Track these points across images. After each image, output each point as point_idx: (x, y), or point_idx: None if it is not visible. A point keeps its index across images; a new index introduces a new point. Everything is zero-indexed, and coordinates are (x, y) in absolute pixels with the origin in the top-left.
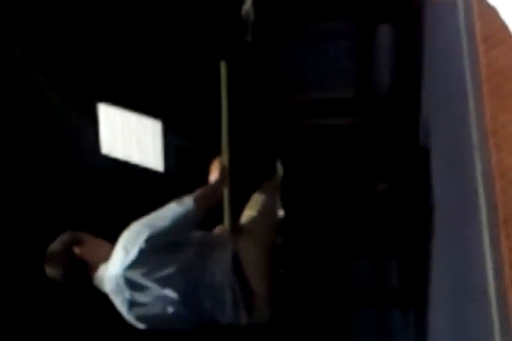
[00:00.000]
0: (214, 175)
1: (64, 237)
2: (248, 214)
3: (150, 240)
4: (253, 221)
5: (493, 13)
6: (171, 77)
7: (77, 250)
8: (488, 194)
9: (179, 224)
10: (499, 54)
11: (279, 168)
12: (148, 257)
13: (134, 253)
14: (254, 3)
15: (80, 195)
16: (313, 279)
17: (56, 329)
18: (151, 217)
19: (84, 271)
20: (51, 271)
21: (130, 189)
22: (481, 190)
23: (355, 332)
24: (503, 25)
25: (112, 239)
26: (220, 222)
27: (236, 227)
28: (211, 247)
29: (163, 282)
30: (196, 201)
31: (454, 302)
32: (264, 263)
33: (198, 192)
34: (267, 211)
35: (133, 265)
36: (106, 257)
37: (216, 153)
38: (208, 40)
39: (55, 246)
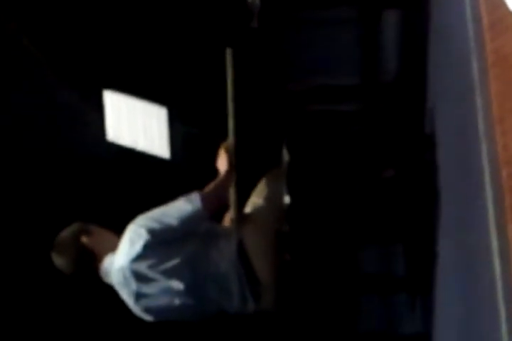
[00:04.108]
0: (222, 163)
1: (73, 227)
2: (253, 201)
3: (155, 234)
4: (258, 208)
5: (499, 0)
6: (176, 64)
7: (85, 240)
8: (494, 180)
9: (185, 222)
10: (505, 41)
11: (285, 155)
12: (153, 249)
13: (139, 246)
14: None
15: (85, 182)
16: (320, 266)
17: (62, 320)
18: (157, 212)
19: (91, 262)
20: (58, 260)
21: (136, 176)
22: (487, 176)
23: (361, 318)
24: (509, 12)
25: (118, 226)
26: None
27: (241, 215)
28: (216, 236)
29: (169, 273)
30: (204, 200)
31: (460, 287)
32: (270, 251)
33: (207, 190)
34: (272, 198)
35: (139, 257)
36: (112, 249)
37: (222, 139)
38: (214, 27)
39: (64, 235)
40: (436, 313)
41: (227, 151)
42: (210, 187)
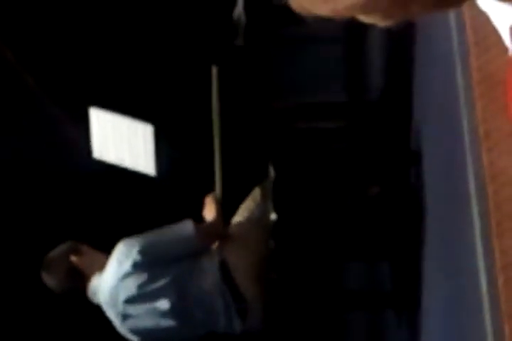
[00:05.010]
0: (209, 212)
1: (63, 246)
2: (237, 220)
3: (143, 254)
4: (241, 227)
5: (484, 17)
6: (162, 82)
7: (74, 259)
8: (480, 196)
9: (175, 246)
10: (490, 58)
11: (271, 172)
12: (141, 270)
13: (128, 265)
14: (246, 7)
15: (71, 199)
16: (306, 283)
17: (51, 340)
18: (148, 234)
19: (80, 281)
20: (48, 279)
21: (122, 193)
22: (472, 192)
23: (348, 335)
24: (494, 29)
25: (102, 243)
26: None
27: (225, 234)
28: (199, 257)
29: (156, 294)
30: (198, 229)
31: (446, 304)
32: (255, 269)
33: (202, 224)
34: (256, 216)
35: (127, 276)
36: (101, 269)
37: (207, 158)
38: (199, 45)
39: (54, 254)
40: (423, 330)
41: (215, 201)
42: (205, 224)
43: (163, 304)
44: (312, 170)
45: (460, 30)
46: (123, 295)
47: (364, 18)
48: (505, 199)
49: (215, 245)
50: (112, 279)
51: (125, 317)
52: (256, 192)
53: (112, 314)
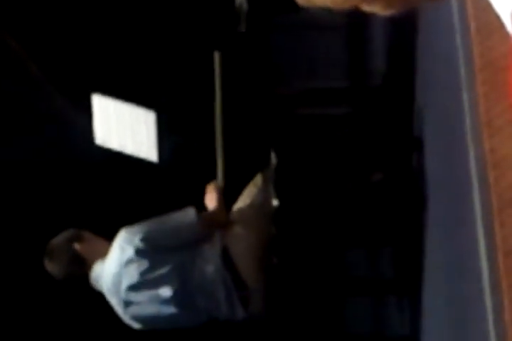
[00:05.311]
0: (211, 200)
1: (66, 234)
2: (238, 206)
3: (145, 241)
4: (243, 214)
5: (485, 3)
6: (165, 68)
7: (77, 246)
8: (481, 183)
9: (177, 234)
10: (493, 44)
11: (273, 158)
12: (143, 257)
13: (129, 252)
14: None
15: (73, 186)
16: (308, 269)
17: (53, 327)
18: (151, 221)
19: (82, 268)
20: (50, 266)
21: (124, 179)
22: (474, 179)
23: (350, 321)
24: (496, 15)
25: (105, 230)
26: None
27: (226, 221)
28: (201, 244)
29: (158, 281)
30: (200, 217)
31: (448, 290)
32: (257, 255)
33: (204, 212)
34: (258, 203)
35: (128, 264)
36: (103, 256)
37: (209, 145)
38: (201, 31)
39: (56, 241)
40: (425, 315)
41: (216, 190)
42: (204, 214)
43: (166, 291)
44: (314, 156)
45: (462, 16)
46: (125, 282)
47: (366, 8)
48: (507, 187)
49: (217, 232)
50: (115, 266)
51: (127, 304)
52: (258, 179)
53: (114, 301)
